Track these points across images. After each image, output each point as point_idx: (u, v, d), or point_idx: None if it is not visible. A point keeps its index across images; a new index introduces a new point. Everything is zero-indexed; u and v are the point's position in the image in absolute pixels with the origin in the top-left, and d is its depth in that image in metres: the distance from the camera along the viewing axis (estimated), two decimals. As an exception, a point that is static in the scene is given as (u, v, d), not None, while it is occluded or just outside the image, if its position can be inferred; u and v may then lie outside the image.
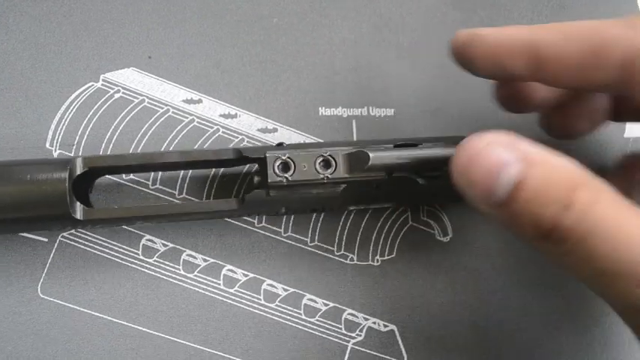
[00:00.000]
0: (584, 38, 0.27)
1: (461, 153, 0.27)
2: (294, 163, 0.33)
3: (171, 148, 0.39)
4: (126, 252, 0.37)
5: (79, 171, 0.33)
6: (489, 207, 0.26)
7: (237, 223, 0.39)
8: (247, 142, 0.40)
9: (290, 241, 0.39)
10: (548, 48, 0.28)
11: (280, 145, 0.36)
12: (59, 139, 0.38)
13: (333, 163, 0.33)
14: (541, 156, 0.25)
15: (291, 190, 0.34)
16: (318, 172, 0.33)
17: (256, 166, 0.38)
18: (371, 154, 0.32)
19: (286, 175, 0.33)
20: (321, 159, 0.33)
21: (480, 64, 0.31)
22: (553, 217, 0.24)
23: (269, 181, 0.33)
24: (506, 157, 0.25)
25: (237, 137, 0.40)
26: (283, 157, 0.33)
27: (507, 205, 0.25)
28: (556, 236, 0.24)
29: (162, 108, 0.40)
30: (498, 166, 0.25)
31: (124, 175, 0.38)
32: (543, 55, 0.28)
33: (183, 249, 0.38)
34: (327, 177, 0.33)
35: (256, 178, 0.36)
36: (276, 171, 0.33)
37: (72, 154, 0.38)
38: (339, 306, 0.38)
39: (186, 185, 0.39)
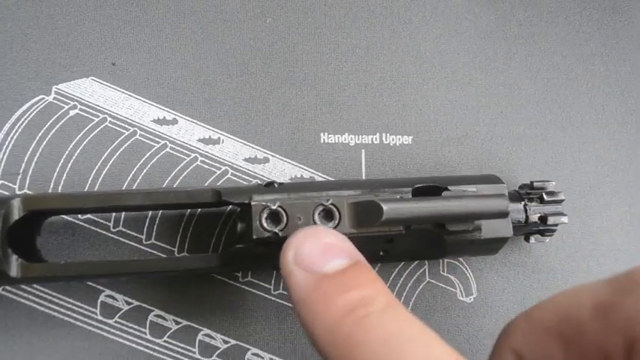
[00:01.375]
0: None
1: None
2: (286, 213, 0.26)
3: (138, 179, 0.32)
4: (81, 310, 0.31)
5: (16, 215, 0.27)
6: None
7: (217, 277, 0.32)
8: (232, 174, 0.33)
9: (281, 301, 0.32)
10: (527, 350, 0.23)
11: (270, 185, 0.29)
12: (1, 167, 0.32)
13: (337, 214, 0.26)
14: None
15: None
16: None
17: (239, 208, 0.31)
18: (384, 207, 0.25)
19: (275, 230, 0.26)
20: (321, 209, 0.26)
21: None
22: None
23: (254, 236, 0.26)
24: None
25: (220, 168, 0.33)
26: (273, 207, 0.26)
27: None
28: None
29: (128, 129, 0.33)
30: None
31: (79, 215, 0.31)
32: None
33: (151, 308, 0.31)
34: None
35: (240, 225, 0.29)
36: (264, 224, 0.26)
37: (16, 186, 0.31)
38: (339, 382, 0.32)
39: (155, 228, 0.32)
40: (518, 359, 0.22)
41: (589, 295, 0.20)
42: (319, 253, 0.22)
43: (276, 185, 0.29)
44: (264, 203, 0.26)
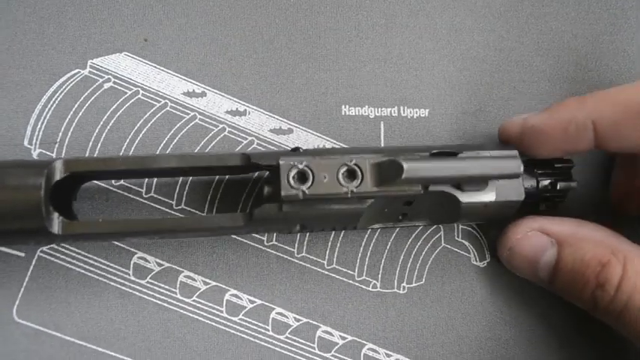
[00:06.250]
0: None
1: (502, 244, 0.33)
2: (312, 172, 0.28)
3: (169, 148, 0.34)
4: (115, 271, 0.32)
5: (58, 176, 0.28)
6: (538, 284, 0.32)
7: (243, 240, 0.34)
8: (257, 144, 0.34)
9: (304, 263, 0.34)
10: (607, 124, 0.29)
11: (296, 150, 0.30)
12: (39, 136, 0.33)
13: (359, 173, 0.28)
14: (570, 235, 0.30)
15: (309, 205, 0.28)
16: (341, 184, 0.28)
17: (267, 172, 0.32)
18: (405, 165, 0.26)
19: (303, 188, 0.27)
20: (344, 169, 0.28)
21: (541, 152, 0.32)
22: (590, 297, 0.29)
23: (282, 194, 0.27)
24: (540, 243, 0.31)
25: (246, 138, 0.34)
26: (300, 166, 0.28)
27: (552, 284, 0.31)
28: (599, 312, 0.29)
29: (160, 101, 0.34)
30: (536, 254, 0.31)
31: (113, 181, 0.33)
32: (602, 131, 0.29)
33: (181, 269, 0.33)
34: (352, 191, 0.28)
35: (267, 188, 0.31)
36: (291, 182, 0.27)
37: (54, 154, 0.33)
38: (359, 340, 0.33)
39: (185, 194, 0.33)
40: (594, 129, 0.29)
41: None
42: None
43: (301, 150, 0.30)
44: (291, 163, 0.28)
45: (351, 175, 0.28)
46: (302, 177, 0.28)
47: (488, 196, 0.30)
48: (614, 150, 0.30)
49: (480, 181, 0.30)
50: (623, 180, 0.35)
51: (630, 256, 0.28)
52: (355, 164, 0.28)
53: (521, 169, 0.29)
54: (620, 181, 0.35)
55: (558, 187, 0.32)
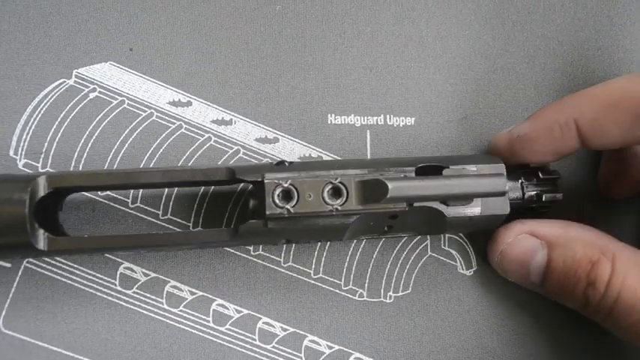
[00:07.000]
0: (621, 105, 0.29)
1: (493, 249, 0.33)
2: (297, 191, 0.28)
3: (155, 158, 0.34)
4: (101, 281, 0.32)
5: (42, 192, 0.28)
6: (529, 287, 0.33)
7: (230, 250, 0.34)
8: (243, 153, 0.34)
9: (291, 273, 0.34)
10: (588, 121, 0.30)
11: (281, 163, 0.30)
12: (25, 146, 0.33)
13: (344, 192, 0.28)
14: (560, 236, 0.30)
15: (294, 222, 0.29)
16: (325, 202, 0.28)
17: (251, 186, 0.32)
18: (390, 185, 0.27)
19: (287, 207, 0.28)
20: (330, 187, 0.28)
21: (532, 159, 0.32)
22: (582, 296, 0.29)
23: (267, 212, 0.27)
24: (531, 246, 0.31)
25: (232, 148, 0.34)
26: (285, 185, 0.28)
27: (543, 286, 0.31)
28: (589, 310, 0.29)
29: (145, 111, 0.34)
30: (527, 257, 0.31)
31: (99, 192, 0.33)
32: (584, 129, 0.30)
33: (167, 279, 0.33)
34: (337, 209, 0.28)
35: (252, 202, 0.31)
36: (276, 201, 0.28)
37: (39, 165, 0.33)
38: (345, 349, 0.34)
39: (171, 204, 0.33)
40: (577, 128, 0.30)
41: None
42: None
43: (286, 164, 0.30)
44: (276, 181, 0.28)
45: (336, 193, 0.28)
46: (287, 195, 0.28)
47: (473, 210, 0.31)
48: (599, 148, 0.31)
49: (465, 200, 0.30)
50: (612, 163, 0.35)
51: (619, 253, 0.29)
52: (340, 182, 0.28)
53: (507, 187, 0.29)
54: (609, 164, 0.35)
55: (544, 199, 0.32)
